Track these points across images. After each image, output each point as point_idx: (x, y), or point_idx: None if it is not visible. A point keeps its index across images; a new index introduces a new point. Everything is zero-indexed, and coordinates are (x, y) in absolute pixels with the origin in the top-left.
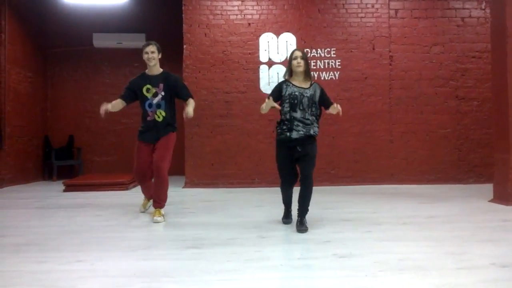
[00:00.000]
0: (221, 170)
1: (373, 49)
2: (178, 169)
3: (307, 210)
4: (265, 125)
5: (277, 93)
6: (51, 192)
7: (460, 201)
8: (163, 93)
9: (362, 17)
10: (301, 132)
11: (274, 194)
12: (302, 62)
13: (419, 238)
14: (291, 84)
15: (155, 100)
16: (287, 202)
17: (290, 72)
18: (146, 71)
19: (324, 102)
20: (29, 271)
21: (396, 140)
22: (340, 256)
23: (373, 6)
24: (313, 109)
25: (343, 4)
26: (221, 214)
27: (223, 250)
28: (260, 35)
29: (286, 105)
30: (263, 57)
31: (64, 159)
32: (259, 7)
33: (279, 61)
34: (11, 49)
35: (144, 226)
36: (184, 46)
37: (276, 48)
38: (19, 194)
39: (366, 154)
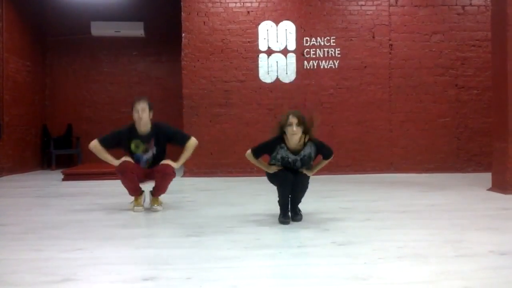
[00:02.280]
0: (220, 159)
1: (373, 37)
2: (176, 158)
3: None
4: (264, 114)
5: (268, 150)
6: (50, 181)
7: (459, 189)
8: (154, 150)
9: (362, 5)
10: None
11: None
12: (297, 130)
13: (418, 226)
14: (285, 147)
15: (145, 157)
16: (285, 203)
17: (281, 132)
18: (136, 125)
19: (323, 154)
20: (29, 259)
21: (396, 129)
22: (339, 244)
23: None
24: (307, 166)
25: None
26: (220, 203)
27: (222, 238)
28: (259, 23)
29: (278, 163)
30: (262, 46)
31: (62, 148)
32: None
33: (278, 50)
34: (9, 38)
35: (144, 214)
36: (183, 34)
37: (276, 36)
38: (18, 183)
39: (366, 143)
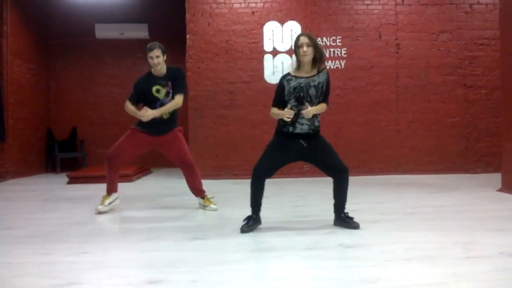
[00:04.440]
0: (225, 162)
1: (380, 37)
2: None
3: (344, 206)
4: (270, 115)
5: (282, 95)
6: (55, 185)
7: (468, 190)
8: (171, 91)
9: (368, 4)
10: (305, 126)
11: (278, 185)
12: (308, 50)
13: (426, 228)
14: (293, 78)
15: (168, 99)
16: (257, 203)
17: (297, 61)
18: (152, 70)
19: (325, 95)
20: (34, 262)
21: (403, 129)
22: (346, 246)
23: None
24: (321, 100)
25: None
26: (225, 205)
27: (228, 240)
28: (264, 24)
29: (292, 100)
30: (268, 46)
31: (67, 151)
32: None
33: (283, 50)
34: (13, 41)
35: (149, 217)
36: (187, 35)
37: (281, 37)
38: (23, 186)
39: (373, 144)
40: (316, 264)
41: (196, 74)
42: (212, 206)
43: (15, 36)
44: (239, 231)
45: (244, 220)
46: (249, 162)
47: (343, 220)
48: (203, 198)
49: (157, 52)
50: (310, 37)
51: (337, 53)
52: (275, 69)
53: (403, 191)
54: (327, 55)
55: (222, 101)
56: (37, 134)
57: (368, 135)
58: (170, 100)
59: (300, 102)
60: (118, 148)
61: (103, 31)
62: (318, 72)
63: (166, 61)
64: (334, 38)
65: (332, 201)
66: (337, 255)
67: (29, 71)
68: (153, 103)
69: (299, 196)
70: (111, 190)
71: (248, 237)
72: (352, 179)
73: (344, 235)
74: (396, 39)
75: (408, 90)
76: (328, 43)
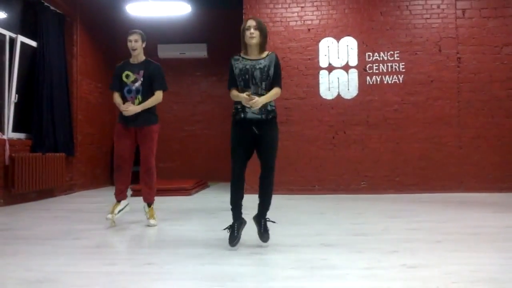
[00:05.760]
0: (281, 177)
1: (440, 51)
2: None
3: (268, 209)
4: (325, 131)
5: (233, 74)
6: None
7: None
8: (142, 79)
9: (427, 18)
10: (256, 110)
11: (336, 202)
12: (255, 33)
13: (492, 249)
14: (241, 58)
15: (135, 86)
16: (237, 204)
17: (244, 45)
18: (130, 59)
19: (276, 77)
20: (103, 272)
21: (466, 146)
22: (409, 267)
23: (438, 7)
24: (267, 84)
25: (406, 6)
26: (282, 221)
27: (287, 256)
28: (320, 40)
29: (241, 83)
30: (323, 62)
31: None
32: (319, 12)
33: (339, 66)
34: (82, 61)
35: (207, 230)
36: None
37: (337, 52)
38: (90, 198)
39: (433, 160)
40: (378, 285)
41: None
42: (152, 221)
43: (84, 57)
44: (296, 247)
45: (228, 231)
46: (305, 177)
47: (260, 225)
48: (149, 203)
49: (136, 36)
50: (257, 21)
51: (395, 68)
52: (330, 84)
53: (466, 210)
54: (385, 70)
55: (278, 117)
56: (102, 149)
57: (428, 152)
58: (138, 87)
59: (246, 85)
60: (117, 149)
61: (165, 51)
62: (266, 56)
63: (225, 82)
64: (392, 52)
65: (392, 221)
66: (399, 275)
67: (97, 89)
68: (123, 88)
69: (357, 213)
70: (120, 197)
71: (306, 254)
72: (411, 197)
73: (407, 255)
74: (457, 53)
75: (470, 105)
76: (385, 58)
